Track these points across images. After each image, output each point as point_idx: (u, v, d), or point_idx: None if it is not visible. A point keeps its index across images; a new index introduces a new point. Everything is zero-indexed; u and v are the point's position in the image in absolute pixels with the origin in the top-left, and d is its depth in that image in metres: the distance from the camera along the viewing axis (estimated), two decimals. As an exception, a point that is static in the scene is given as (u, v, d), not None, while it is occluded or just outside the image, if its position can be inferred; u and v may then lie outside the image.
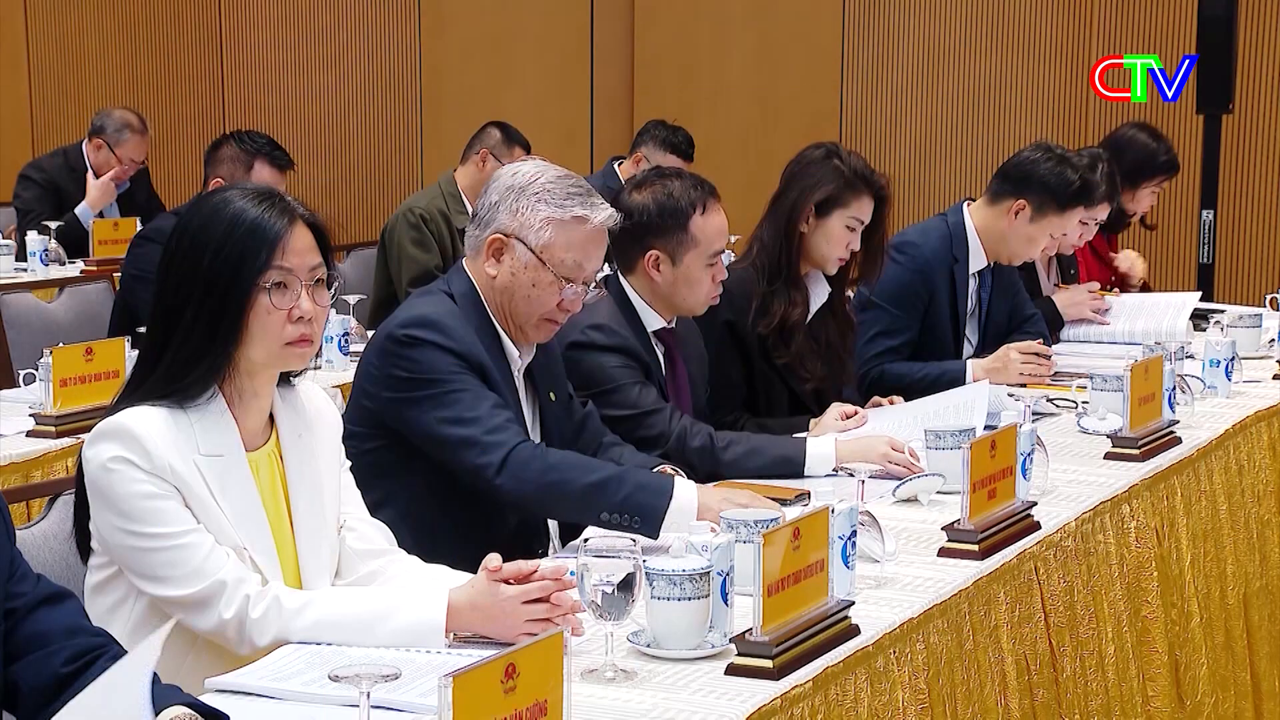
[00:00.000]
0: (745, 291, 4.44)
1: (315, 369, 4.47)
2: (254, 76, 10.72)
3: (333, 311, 3.75)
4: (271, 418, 2.90)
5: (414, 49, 10.31)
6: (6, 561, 2.45)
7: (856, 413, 4.26)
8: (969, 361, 5.07)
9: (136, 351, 2.94)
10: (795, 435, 4.15)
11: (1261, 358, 5.43)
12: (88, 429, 2.86)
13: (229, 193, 2.83)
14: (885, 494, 3.74)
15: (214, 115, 10.66)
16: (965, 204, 5.27)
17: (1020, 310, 5.42)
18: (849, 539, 2.94)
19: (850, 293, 4.88)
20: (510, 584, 2.73)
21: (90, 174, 8.23)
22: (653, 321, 4.09)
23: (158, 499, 2.70)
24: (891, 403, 4.48)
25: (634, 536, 3.00)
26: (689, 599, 2.67)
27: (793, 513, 3.08)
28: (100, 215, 8.08)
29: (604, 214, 3.51)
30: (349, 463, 3.07)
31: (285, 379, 2.92)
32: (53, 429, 4.52)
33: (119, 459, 2.70)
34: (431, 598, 2.75)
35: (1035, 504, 3.59)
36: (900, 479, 3.77)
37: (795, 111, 9.38)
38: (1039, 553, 3.50)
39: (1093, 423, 4.37)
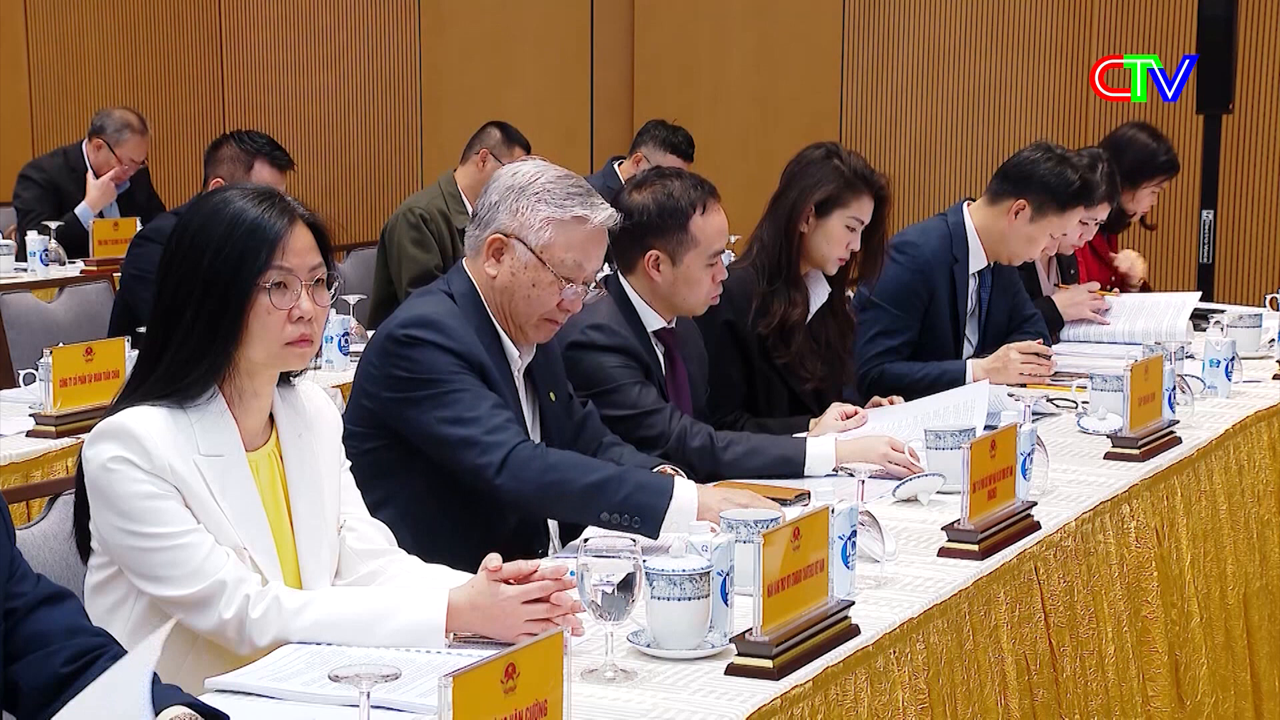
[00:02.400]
0: (745, 291, 4.44)
1: (315, 369, 4.51)
2: (254, 76, 10.72)
3: (333, 311, 3.76)
4: (271, 418, 2.90)
5: (414, 49, 10.31)
6: (6, 561, 2.45)
7: (856, 413, 4.26)
8: (969, 361, 5.07)
9: (136, 351, 2.94)
10: (795, 435, 4.15)
11: (1261, 358, 5.43)
12: (88, 429, 2.86)
13: (229, 193, 2.83)
14: (885, 494, 3.74)
15: (214, 115, 10.66)
16: (965, 204, 5.27)
17: (1020, 310, 5.42)
18: (849, 539, 2.94)
19: (850, 293, 4.88)
20: (510, 584, 2.73)
21: (90, 174, 8.23)
22: (653, 321, 4.09)
23: (158, 499, 2.70)
24: (891, 403, 4.48)
25: (634, 536, 3.00)
26: (689, 599, 2.67)
27: (793, 513, 3.08)
28: (100, 215, 8.09)
29: (604, 214, 3.51)
30: (349, 463, 3.07)
31: (285, 379, 2.92)
32: (53, 429, 4.52)
33: (119, 459, 2.70)
34: (431, 598, 2.75)
35: (1035, 504, 3.59)
36: (900, 479, 3.77)
37: (795, 111, 9.38)
38: (1039, 553, 3.50)
39: (1093, 423, 4.37)
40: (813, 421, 4.29)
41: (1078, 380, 4.77)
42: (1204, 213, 7.67)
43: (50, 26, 11.06)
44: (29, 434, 4.55)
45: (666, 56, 9.77)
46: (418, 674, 2.55)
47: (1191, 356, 5.09)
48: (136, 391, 2.78)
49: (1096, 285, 6.08)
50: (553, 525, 3.67)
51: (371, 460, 3.36)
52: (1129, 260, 6.60)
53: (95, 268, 7.43)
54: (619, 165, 8.41)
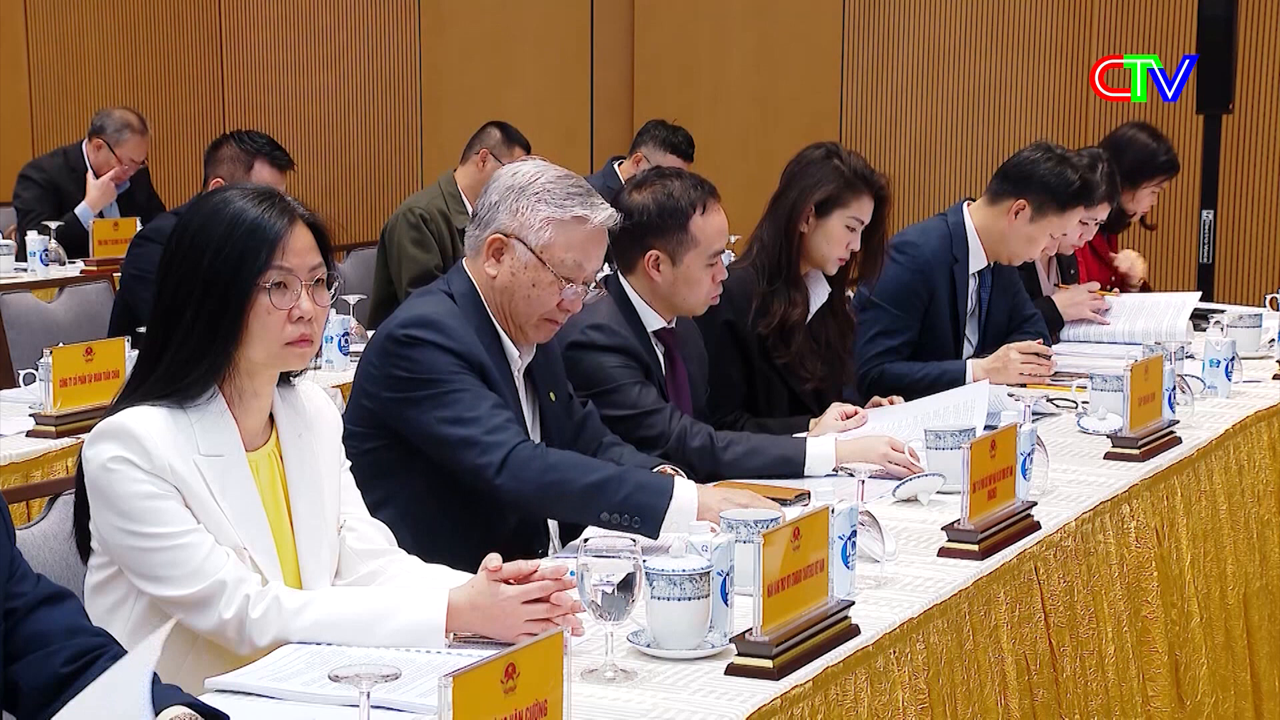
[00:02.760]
0: (745, 291, 4.44)
1: (315, 369, 4.51)
2: (254, 76, 10.72)
3: (333, 311, 3.76)
4: (271, 418, 2.90)
5: (414, 49, 10.31)
6: (6, 561, 2.45)
7: (856, 413, 4.26)
8: (969, 361, 5.07)
9: (136, 351, 2.94)
10: (795, 435, 4.15)
11: (1261, 358, 5.43)
12: (88, 429, 2.86)
13: (229, 193, 2.83)
14: (885, 494, 3.74)
15: (214, 115, 10.66)
16: (965, 204, 5.27)
17: (1020, 310, 5.42)
18: (849, 539, 2.94)
19: (850, 293, 4.88)
20: (510, 584, 2.73)
21: (90, 174, 8.23)
22: (653, 321, 4.09)
23: (158, 499, 2.70)
24: (891, 403, 4.48)
25: (634, 536, 3.00)
26: (689, 599, 2.67)
27: (793, 513, 3.08)
28: (100, 215, 8.09)
29: (604, 214, 3.51)
30: (349, 463, 3.07)
31: (285, 379, 2.92)
32: (53, 429, 4.52)
33: (119, 459, 2.70)
34: (431, 598, 2.75)
35: (1035, 504, 3.59)
36: (900, 479, 3.77)
37: (795, 111, 9.38)
38: (1039, 553, 3.50)
39: (1093, 423, 4.37)
40: (813, 421, 4.29)
41: (1078, 380, 4.76)
42: (1204, 213, 7.67)
43: (50, 26, 11.06)
44: (29, 434, 4.55)
45: (666, 56, 9.77)
46: (418, 674, 2.55)
47: (1191, 356, 5.09)
48: (136, 391, 2.78)
49: (1096, 285, 6.08)
50: (553, 525, 3.67)
51: (371, 460, 3.36)
52: (1129, 260, 6.61)
53: (95, 268, 7.43)
54: (619, 165, 8.41)
